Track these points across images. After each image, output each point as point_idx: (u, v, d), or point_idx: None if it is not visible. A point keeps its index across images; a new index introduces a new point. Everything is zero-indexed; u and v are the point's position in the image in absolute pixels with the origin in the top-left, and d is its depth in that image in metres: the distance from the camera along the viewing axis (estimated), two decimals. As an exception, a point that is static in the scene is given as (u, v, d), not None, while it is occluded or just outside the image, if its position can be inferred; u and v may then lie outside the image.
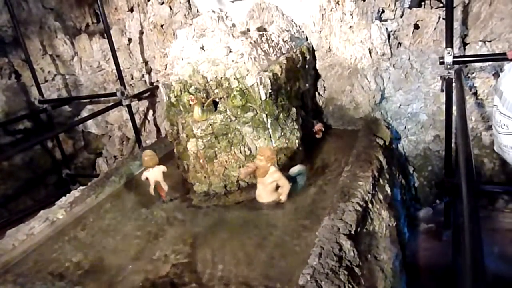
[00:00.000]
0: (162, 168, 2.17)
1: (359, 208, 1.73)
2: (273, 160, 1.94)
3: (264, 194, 2.01)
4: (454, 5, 2.23)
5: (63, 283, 1.67)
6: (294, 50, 2.59)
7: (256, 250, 1.70)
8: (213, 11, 2.31)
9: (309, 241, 1.63)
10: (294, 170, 2.10)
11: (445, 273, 2.29)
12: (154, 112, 4.05)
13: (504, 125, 1.95)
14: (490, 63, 2.52)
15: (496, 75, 2.52)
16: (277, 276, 1.53)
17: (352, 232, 1.60)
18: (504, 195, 2.67)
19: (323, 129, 2.70)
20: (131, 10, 3.83)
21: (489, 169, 2.72)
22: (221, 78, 2.15)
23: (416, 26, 2.71)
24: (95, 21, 4.22)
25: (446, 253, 2.38)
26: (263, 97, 2.12)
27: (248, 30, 2.70)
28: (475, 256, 0.80)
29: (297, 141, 2.32)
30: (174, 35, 3.39)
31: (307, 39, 2.93)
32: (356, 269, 1.49)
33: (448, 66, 2.22)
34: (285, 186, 1.96)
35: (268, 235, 1.79)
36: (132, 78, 3.98)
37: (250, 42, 2.19)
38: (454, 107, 2.36)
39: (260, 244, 1.74)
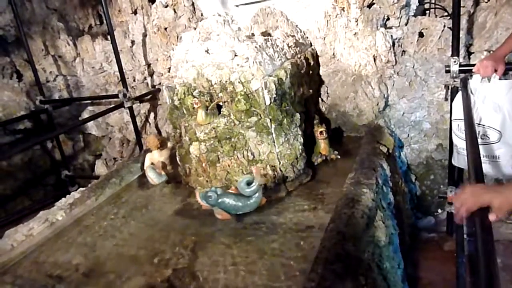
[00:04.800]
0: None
1: (363, 216, 1.72)
2: (152, 145, 2.56)
3: None
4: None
5: (62, 286, 1.65)
6: (299, 56, 2.59)
7: (258, 256, 1.68)
8: (219, 15, 2.30)
9: (311, 248, 1.61)
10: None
11: (447, 283, 2.27)
12: (156, 115, 4.03)
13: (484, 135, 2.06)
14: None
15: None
16: (279, 282, 1.50)
17: (356, 239, 1.58)
18: (507, 205, 2.65)
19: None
20: (135, 12, 3.82)
21: (491, 179, 2.70)
22: (226, 81, 2.13)
23: (421, 34, 2.72)
24: (98, 23, 4.22)
25: (448, 263, 2.36)
26: (268, 102, 2.10)
27: (253, 34, 2.70)
28: (489, 267, 0.78)
29: (300, 147, 2.31)
30: (177, 38, 3.39)
31: (311, 45, 2.93)
32: (360, 278, 1.47)
33: (454, 75, 2.21)
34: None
35: (270, 240, 1.77)
36: (134, 80, 3.97)
37: (256, 47, 2.18)
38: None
39: (263, 250, 1.71)
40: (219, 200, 1.96)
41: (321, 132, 2.46)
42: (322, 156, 2.50)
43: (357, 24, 2.70)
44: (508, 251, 2.41)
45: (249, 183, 1.95)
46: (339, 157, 2.50)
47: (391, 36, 2.69)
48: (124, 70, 3.48)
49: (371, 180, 1.99)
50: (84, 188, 2.46)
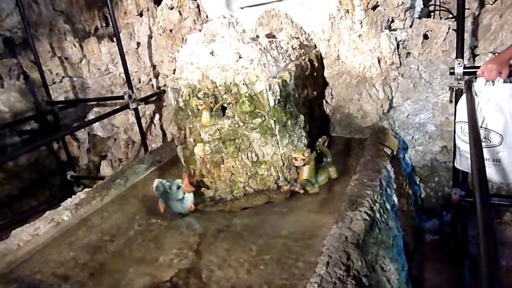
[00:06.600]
0: None
1: (367, 217, 1.72)
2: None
3: None
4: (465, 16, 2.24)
5: (67, 285, 1.66)
6: (303, 58, 2.60)
7: (261, 257, 1.68)
8: (224, 17, 2.32)
9: (315, 250, 1.61)
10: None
11: (452, 286, 2.26)
12: (161, 116, 4.05)
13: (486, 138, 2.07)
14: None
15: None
16: (282, 283, 1.51)
17: (360, 241, 1.59)
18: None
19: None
20: (140, 14, 3.86)
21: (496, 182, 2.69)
22: (230, 83, 2.15)
23: (426, 37, 2.72)
24: (104, 25, 4.26)
25: (452, 265, 2.36)
26: (272, 104, 2.11)
27: (257, 36, 2.71)
28: (492, 272, 0.78)
29: (304, 149, 2.31)
30: (183, 40, 3.41)
31: (315, 47, 2.93)
32: (364, 279, 1.47)
33: (459, 77, 2.21)
34: None
35: (273, 242, 1.78)
36: (140, 82, 4.00)
37: (260, 49, 2.19)
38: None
39: (266, 251, 1.72)
40: (163, 193, 2.07)
41: (295, 158, 2.05)
42: (288, 184, 2.15)
43: (361, 26, 2.70)
44: (513, 254, 2.40)
45: (178, 187, 2.05)
46: (302, 192, 2.07)
47: (396, 38, 2.69)
48: (129, 72, 3.50)
49: (375, 182, 1.99)
50: (89, 189, 2.48)
